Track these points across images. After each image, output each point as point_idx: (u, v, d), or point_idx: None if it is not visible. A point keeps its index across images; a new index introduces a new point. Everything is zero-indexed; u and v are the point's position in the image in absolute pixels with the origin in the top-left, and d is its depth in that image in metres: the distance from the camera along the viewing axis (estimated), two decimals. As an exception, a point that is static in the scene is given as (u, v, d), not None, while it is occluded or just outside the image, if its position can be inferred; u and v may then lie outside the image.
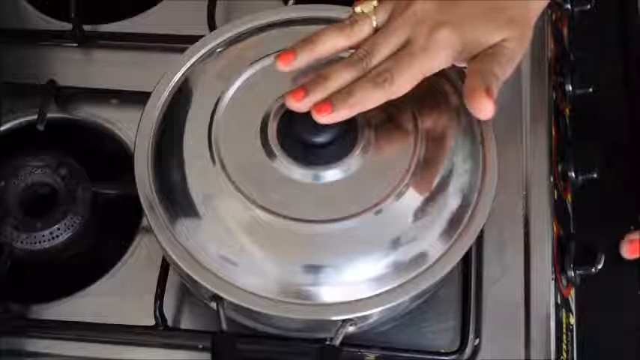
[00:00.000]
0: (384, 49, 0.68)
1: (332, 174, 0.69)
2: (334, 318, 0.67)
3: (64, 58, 0.91)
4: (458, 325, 0.77)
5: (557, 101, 0.89)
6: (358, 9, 0.70)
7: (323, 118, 0.66)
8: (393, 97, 0.67)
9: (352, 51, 0.69)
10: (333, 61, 0.69)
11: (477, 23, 0.68)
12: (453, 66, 0.69)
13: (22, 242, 0.79)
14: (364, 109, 0.67)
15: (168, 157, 0.71)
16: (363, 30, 0.69)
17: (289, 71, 0.69)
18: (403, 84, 0.67)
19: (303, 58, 0.69)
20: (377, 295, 0.67)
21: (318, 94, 0.67)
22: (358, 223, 0.67)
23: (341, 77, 0.67)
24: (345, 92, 0.67)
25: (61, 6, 0.91)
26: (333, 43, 0.69)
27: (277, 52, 0.71)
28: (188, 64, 0.76)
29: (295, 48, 0.69)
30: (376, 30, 0.69)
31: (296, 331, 0.73)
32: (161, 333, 0.76)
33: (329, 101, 0.66)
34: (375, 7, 0.69)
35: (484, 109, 0.66)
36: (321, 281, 0.67)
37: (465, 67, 0.69)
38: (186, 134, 0.71)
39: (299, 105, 0.67)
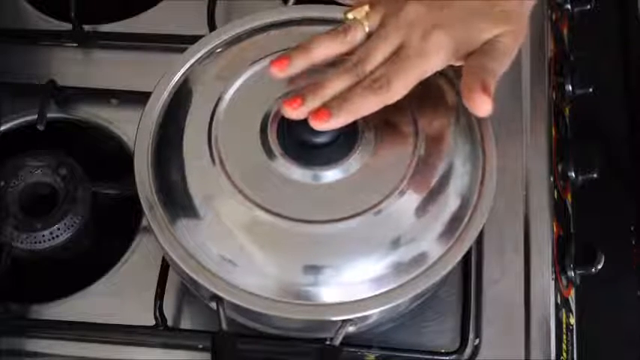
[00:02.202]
0: (379, 55, 0.68)
1: (332, 174, 0.69)
2: (334, 318, 0.67)
3: (64, 58, 0.91)
4: (458, 325, 0.77)
5: (557, 101, 0.89)
6: (350, 15, 0.70)
7: (320, 125, 0.67)
8: (389, 102, 0.67)
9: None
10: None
11: (469, 22, 0.68)
12: (451, 66, 0.70)
13: (22, 242, 0.79)
14: (361, 116, 0.67)
15: (168, 157, 0.71)
16: (356, 37, 0.69)
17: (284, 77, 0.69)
18: (399, 89, 0.67)
19: (298, 65, 0.69)
20: (377, 296, 0.67)
21: (314, 102, 0.67)
22: (358, 223, 0.67)
23: (336, 84, 0.67)
24: (341, 99, 0.67)
25: (61, 6, 0.91)
26: (326, 50, 0.69)
27: (277, 52, 0.71)
28: (188, 65, 0.76)
29: (290, 54, 0.69)
30: (369, 35, 0.69)
31: (296, 331, 0.73)
32: (161, 333, 0.76)
33: (326, 108, 0.66)
34: (366, 13, 0.69)
35: (482, 106, 0.66)
36: (320, 281, 0.67)
37: (461, 66, 0.69)
38: (186, 134, 0.71)
39: (295, 113, 0.67)
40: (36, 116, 0.85)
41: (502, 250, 0.80)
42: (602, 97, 0.93)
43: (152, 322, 0.76)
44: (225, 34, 0.77)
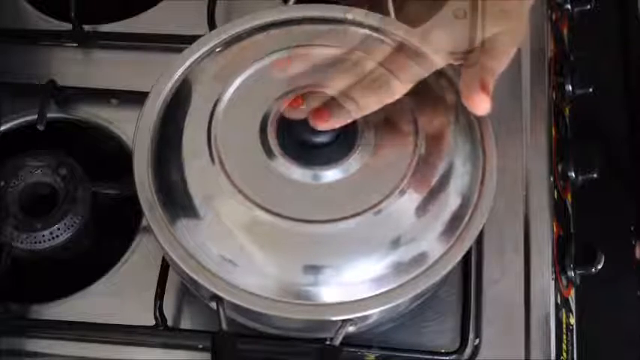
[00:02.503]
0: (378, 54, 0.68)
1: (332, 174, 0.69)
2: (334, 318, 0.67)
3: (64, 58, 0.91)
4: (458, 325, 0.77)
5: (557, 101, 0.89)
6: (350, 15, 0.70)
7: (321, 125, 0.67)
8: (389, 101, 0.67)
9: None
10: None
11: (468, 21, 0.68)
12: (450, 65, 0.70)
13: (22, 242, 0.79)
14: (361, 115, 0.68)
15: (168, 157, 0.71)
16: (356, 37, 0.69)
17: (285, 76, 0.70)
18: (399, 88, 0.67)
19: (298, 65, 0.69)
20: (377, 296, 0.67)
21: (314, 102, 0.67)
22: (358, 223, 0.67)
23: (337, 84, 0.68)
24: (341, 99, 0.67)
25: (61, 6, 0.91)
26: (327, 50, 0.69)
27: (277, 51, 0.71)
28: (187, 64, 0.75)
29: (290, 55, 0.69)
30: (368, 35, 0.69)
31: (296, 331, 0.73)
32: (161, 333, 0.76)
33: (327, 108, 0.66)
34: (366, 14, 0.70)
35: (481, 105, 0.66)
36: (321, 281, 0.67)
37: (461, 65, 0.69)
38: (185, 134, 0.71)
39: (296, 113, 0.67)
40: (36, 116, 0.85)
41: (502, 250, 0.80)
42: (602, 97, 0.93)
43: (152, 322, 0.76)
44: (224, 33, 0.77)
